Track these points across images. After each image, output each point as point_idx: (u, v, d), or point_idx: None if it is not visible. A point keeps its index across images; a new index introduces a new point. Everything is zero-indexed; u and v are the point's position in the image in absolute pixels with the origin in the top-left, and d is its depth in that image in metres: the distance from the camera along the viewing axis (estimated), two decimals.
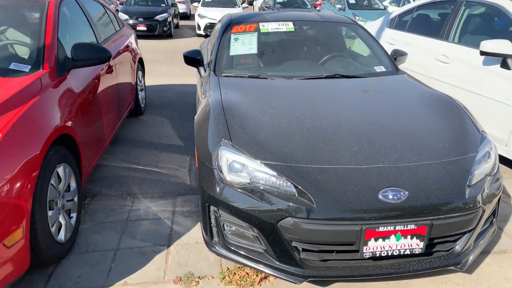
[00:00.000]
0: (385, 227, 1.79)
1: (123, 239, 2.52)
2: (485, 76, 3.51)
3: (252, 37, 3.27)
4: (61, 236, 2.26)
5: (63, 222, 2.30)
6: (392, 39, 4.96)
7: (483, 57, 3.54)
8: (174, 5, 14.26)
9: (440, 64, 4.05)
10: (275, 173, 1.91)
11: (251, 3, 26.82)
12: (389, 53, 3.42)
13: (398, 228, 1.81)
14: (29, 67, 2.41)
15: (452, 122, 2.33)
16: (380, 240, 1.82)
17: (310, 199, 1.81)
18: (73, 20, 3.24)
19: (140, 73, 4.93)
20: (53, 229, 2.14)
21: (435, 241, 1.95)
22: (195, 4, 15.86)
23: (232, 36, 3.31)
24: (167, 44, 11.39)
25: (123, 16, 12.23)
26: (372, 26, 5.65)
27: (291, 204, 1.82)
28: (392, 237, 1.82)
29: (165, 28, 12.36)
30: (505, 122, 3.31)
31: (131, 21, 12.08)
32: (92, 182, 3.22)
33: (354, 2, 14.51)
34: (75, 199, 2.51)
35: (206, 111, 2.40)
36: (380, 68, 3.17)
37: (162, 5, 13.25)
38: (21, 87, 2.16)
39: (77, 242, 2.47)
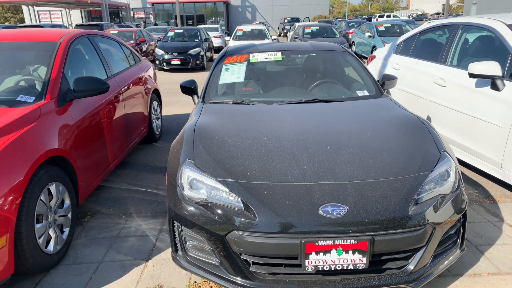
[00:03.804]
0: (324, 241, 1.87)
1: (108, 253, 2.73)
2: (477, 98, 3.48)
3: (242, 67, 3.51)
4: (50, 248, 2.52)
5: (53, 235, 2.56)
6: (397, 64, 5.02)
7: (475, 79, 3.53)
8: (207, 39, 15.06)
9: (438, 88, 4.04)
10: (227, 189, 2.06)
11: (285, 35, 27.60)
12: (383, 77, 3.51)
13: (337, 242, 1.87)
14: (33, 98, 2.78)
15: (413, 142, 2.37)
16: (321, 254, 1.88)
17: (254, 213, 1.94)
18: (84, 57, 3.66)
19: (155, 103, 5.31)
20: (40, 241, 2.40)
21: (384, 257, 1.98)
22: (227, 38, 16.64)
23: (224, 67, 3.56)
24: (198, 76, 11.99)
25: (159, 51, 13.11)
26: (382, 52, 5.73)
27: (237, 218, 1.96)
28: (333, 251, 1.88)
29: (197, 62, 13.06)
30: (497, 144, 3.25)
31: (166, 56, 12.91)
32: (95, 202, 3.51)
33: (384, 29, 14.61)
34: (69, 215, 2.78)
35: (181, 134, 2.61)
36: (363, 92, 3.26)
37: (195, 40, 14.06)
38: (20, 115, 2.50)
39: (68, 255, 2.72)
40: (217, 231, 1.99)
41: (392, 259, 2.01)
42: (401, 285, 2.00)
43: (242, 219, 1.94)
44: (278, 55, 3.58)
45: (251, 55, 3.61)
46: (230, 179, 2.10)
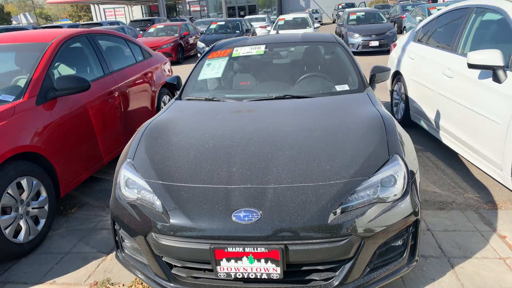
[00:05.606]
0: (234, 248, 1.79)
1: (78, 245, 2.87)
2: (479, 91, 3.10)
3: (223, 62, 3.45)
4: (20, 238, 2.70)
5: (24, 226, 2.74)
6: (412, 53, 4.62)
7: (478, 69, 3.14)
8: (248, 30, 15.03)
9: (446, 79, 3.66)
10: (152, 191, 2.05)
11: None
12: (373, 69, 3.28)
13: (248, 250, 1.78)
14: (13, 97, 2.97)
15: (362, 144, 2.16)
16: (232, 261, 1.81)
17: (168, 215, 1.91)
18: (79, 56, 3.83)
19: (166, 97, 5.42)
20: (7, 231, 2.59)
21: (306, 268, 1.85)
22: (268, 28, 16.46)
23: (206, 62, 3.53)
24: None
25: (200, 44, 13.36)
26: (402, 40, 5.32)
27: (155, 220, 1.94)
28: (245, 259, 1.80)
29: None
30: (497, 143, 2.87)
31: (207, 49, 13.08)
32: (87, 194, 3.70)
33: None
34: (45, 207, 2.95)
35: (136, 132, 2.63)
36: (342, 87, 3.05)
37: (236, 31, 14.11)
38: None
39: (43, 244, 2.90)
40: (139, 232, 1.99)
41: (316, 270, 1.88)
42: None
43: (158, 221, 1.92)
44: (261, 49, 3.46)
45: (234, 49, 3.54)
46: (156, 180, 2.08)
